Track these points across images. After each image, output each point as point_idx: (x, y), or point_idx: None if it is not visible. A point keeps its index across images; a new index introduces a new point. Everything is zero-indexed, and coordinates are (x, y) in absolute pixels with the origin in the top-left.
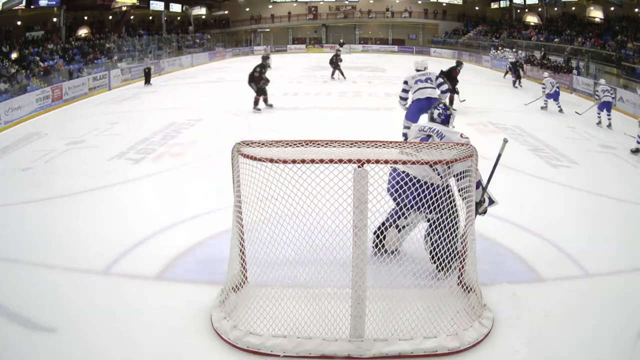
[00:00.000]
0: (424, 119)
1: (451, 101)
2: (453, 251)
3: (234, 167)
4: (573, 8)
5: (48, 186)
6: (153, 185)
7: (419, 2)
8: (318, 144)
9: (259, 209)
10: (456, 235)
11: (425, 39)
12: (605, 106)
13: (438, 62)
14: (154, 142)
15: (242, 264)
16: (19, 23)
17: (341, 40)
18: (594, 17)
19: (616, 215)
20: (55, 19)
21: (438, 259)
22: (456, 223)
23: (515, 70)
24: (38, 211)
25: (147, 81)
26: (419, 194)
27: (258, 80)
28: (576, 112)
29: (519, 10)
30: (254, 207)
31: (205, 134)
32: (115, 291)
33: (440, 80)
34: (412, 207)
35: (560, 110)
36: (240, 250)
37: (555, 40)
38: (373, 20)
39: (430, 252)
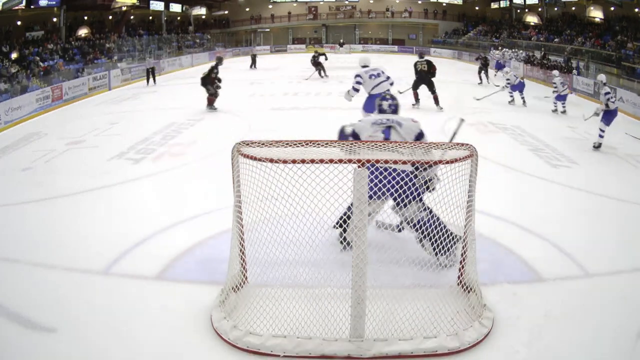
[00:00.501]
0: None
1: (436, 101)
2: (450, 234)
3: (234, 167)
4: (573, 8)
5: (48, 186)
6: (153, 185)
7: (419, 2)
8: (318, 144)
9: (259, 209)
10: (438, 218)
11: (425, 39)
12: (563, 98)
13: (438, 62)
14: (154, 142)
15: (242, 264)
16: (19, 23)
17: (341, 40)
18: (594, 17)
19: (616, 215)
20: (55, 19)
21: (442, 249)
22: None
23: (480, 68)
24: (38, 211)
25: (152, 80)
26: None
27: (212, 81)
28: (545, 97)
29: (519, 10)
30: (254, 207)
31: (205, 134)
32: (115, 291)
33: (387, 74)
34: (406, 204)
35: (524, 103)
36: (240, 250)
37: (555, 40)
38: (373, 20)
39: (433, 249)
